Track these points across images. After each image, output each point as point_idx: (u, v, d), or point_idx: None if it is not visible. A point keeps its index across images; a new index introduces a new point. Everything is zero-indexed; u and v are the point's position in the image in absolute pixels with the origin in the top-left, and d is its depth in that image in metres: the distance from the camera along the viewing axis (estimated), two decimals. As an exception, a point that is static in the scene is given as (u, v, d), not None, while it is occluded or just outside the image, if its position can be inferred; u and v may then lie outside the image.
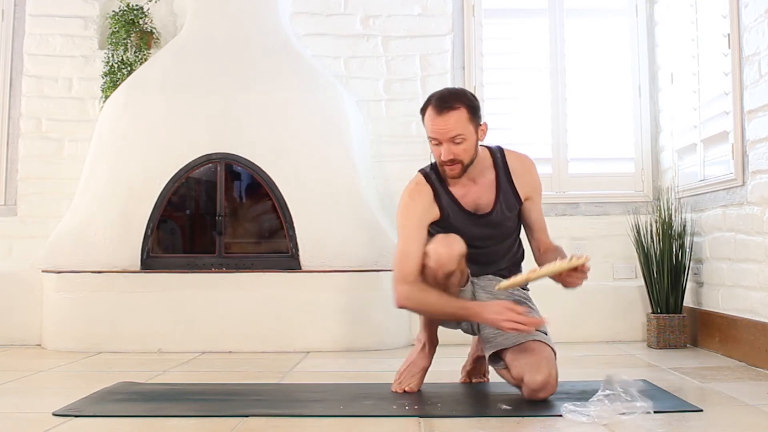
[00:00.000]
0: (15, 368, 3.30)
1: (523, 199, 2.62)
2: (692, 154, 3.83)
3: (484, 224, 2.60)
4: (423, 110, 2.54)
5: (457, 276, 2.49)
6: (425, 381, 2.71)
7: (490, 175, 2.61)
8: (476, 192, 2.59)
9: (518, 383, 2.47)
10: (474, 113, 2.49)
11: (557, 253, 2.55)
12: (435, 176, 2.60)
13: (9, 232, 4.37)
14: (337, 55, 4.45)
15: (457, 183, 2.58)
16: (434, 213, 2.58)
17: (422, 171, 2.64)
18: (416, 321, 3.96)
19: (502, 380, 2.81)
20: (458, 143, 2.46)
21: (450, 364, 2.77)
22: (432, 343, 2.72)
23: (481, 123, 2.54)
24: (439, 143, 2.48)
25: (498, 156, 2.63)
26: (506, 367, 2.51)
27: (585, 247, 4.29)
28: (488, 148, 2.65)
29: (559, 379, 2.69)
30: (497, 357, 2.54)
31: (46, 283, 3.98)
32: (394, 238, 4.15)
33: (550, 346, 2.49)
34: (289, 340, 3.84)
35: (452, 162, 2.49)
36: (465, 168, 2.52)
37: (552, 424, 2.15)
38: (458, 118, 2.45)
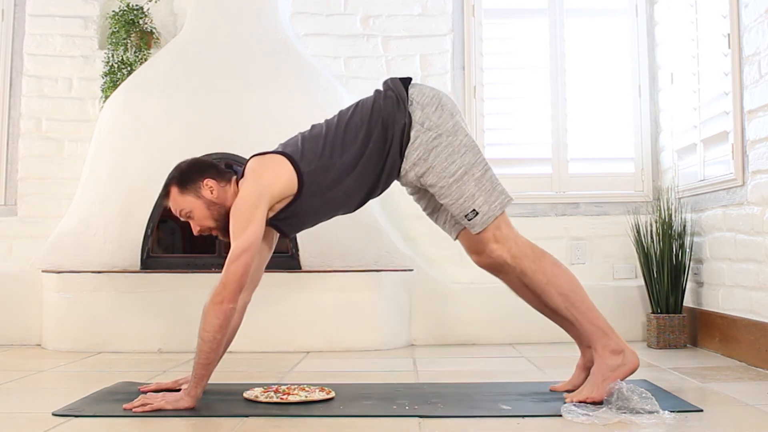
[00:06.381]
0: (15, 368, 3.30)
1: None
2: (692, 154, 3.83)
3: None
4: None
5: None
6: (426, 381, 2.71)
7: None
8: None
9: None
10: (183, 184, 2.50)
11: None
12: None
13: (9, 232, 4.37)
14: (337, 55, 4.45)
15: None
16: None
17: None
18: (417, 321, 3.99)
19: (502, 380, 2.82)
20: (191, 218, 2.53)
21: (450, 363, 2.77)
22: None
23: (201, 183, 2.48)
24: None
25: None
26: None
27: (585, 247, 4.29)
28: None
29: (559, 379, 2.69)
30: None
31: (46, 283, 3.98)
32: (393, 238, 4.17)
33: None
34: (289, 340, 3.83)
35: (203, 233, 2.55)
36: (221, 227, 2.51)
37: (552, 424, 2.15)
38: (173, 198, 2.53)
